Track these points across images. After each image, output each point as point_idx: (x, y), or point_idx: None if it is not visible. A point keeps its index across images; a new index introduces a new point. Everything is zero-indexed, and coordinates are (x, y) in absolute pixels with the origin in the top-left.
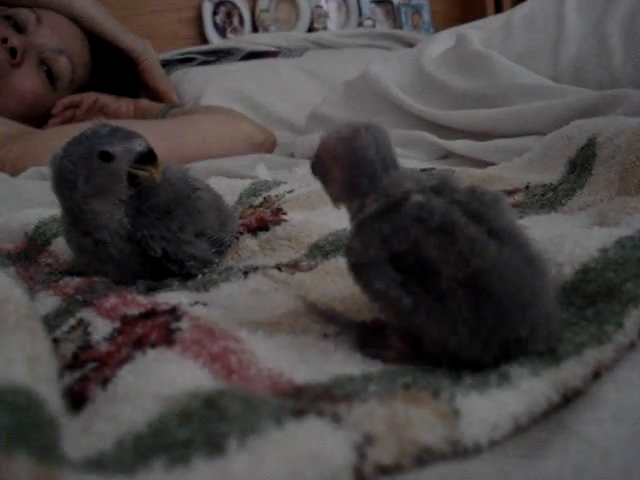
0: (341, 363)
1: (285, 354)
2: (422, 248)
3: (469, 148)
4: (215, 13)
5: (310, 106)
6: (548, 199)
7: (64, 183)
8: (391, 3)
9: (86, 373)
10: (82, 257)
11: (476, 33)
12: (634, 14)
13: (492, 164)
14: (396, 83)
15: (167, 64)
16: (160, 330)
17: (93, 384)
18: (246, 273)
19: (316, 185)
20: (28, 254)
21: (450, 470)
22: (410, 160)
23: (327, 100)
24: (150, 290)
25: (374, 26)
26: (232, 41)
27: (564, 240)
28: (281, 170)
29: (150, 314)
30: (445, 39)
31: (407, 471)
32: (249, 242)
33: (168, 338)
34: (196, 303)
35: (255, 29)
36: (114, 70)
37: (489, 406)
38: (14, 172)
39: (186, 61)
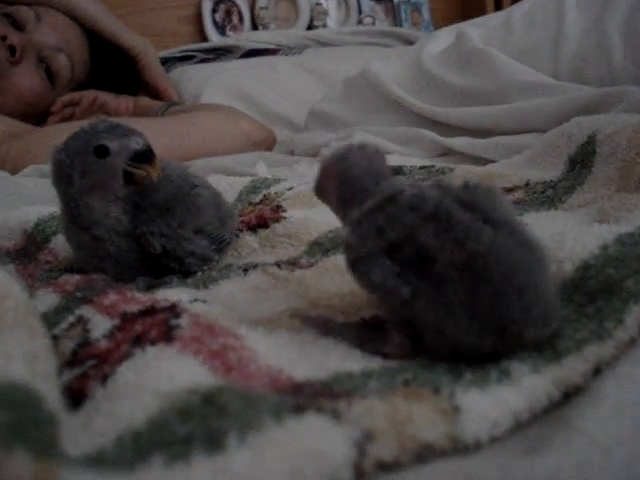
0: (341, 359)
1: (285, 351)
2: (418, 236)
3: (469, 145)
4: (214, 11)
5: (310, 104)
6: (548, 196)
7: (61, 177)
8: (391, 1)
9: (85, 370)
10: (81, 253)
11: (476, 30)
12: (634, 11)
13: (492, 161)
14: (396, 80)
15: (167, 62)
16: (160, 327)
17: (92, 381)
18: (246, 270)
19: None
20: (27, 252)
21: (450, 467)
22: (410, 157)
23: (327, 98)
24: (149, 287)
25: (374, 24)
26: (231, 39)
27: (564, 237)
28: (281, 168)
29: (149, 311)
30: (445, 36)
31: (407, 468)
32: (249, 239)
33: (167, 335)
34: (196, 300)
35: (255, 27)
36: (113, 68)
37: (489, 402)
38: (14, 170)
39: (185, 59)
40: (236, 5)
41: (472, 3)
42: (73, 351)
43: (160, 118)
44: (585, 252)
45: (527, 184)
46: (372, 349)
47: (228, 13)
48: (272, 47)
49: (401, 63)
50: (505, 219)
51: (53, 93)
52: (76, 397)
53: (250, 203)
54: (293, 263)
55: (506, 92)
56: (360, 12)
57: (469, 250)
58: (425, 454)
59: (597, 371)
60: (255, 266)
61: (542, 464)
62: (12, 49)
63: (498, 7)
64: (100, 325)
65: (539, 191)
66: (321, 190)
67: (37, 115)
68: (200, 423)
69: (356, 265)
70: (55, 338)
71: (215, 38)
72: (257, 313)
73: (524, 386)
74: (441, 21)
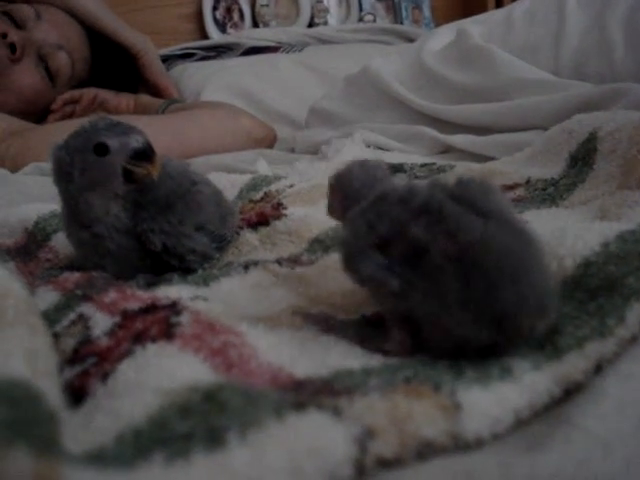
0: (341, 357)
1: (285, 348)
2: (409, 229)
3: (469, 143)
4: (215, 8)
5: (310, 101)
6: (549, 194)
7: (62, 175)
8: None
9: (86, 368)
10: (81, 251)
11: (477, 27)
12: (635, 8)
13: (493, 159)
14: (396, 78)
15: (167, 59)
16: (160, 325)
17: (93, 379)
18: (246, 268)
19: (316, 180)
20: (28, 249)
21: (451, 464)
22: (410, 155)
23: (327, 95)
24: (150, 285)
25: (375, 21)
26: (232, 36)
27: (565, 234)
28: (281, 165)
29: (150, 309)
30: (446, 34)
31: (408, 465)
32: (249, 237)
33: (168, 332)
34: (196, 297)
35: (255, 24)
36: (114, 66)
37: (490, 400)
38: (14, 168)
39: (186, 56)
40: (237, 3)
41: (473, 0)
42: (74, 349)
43: (161, 116)
44: (586, 249)
45: (528, 181)
46: (372, 346)
47: (229, 11)
48: (273, 45)
49: (402, 60)
50: (496, 210)
51: (53, 91)
52: (77, 395)
53: (251, 200)
54: (294, 260)
55: (507, 89)
56: (361, 10)
57: (461, 241)
58: (426, 451)
59: (598, 368)
60: (256, 263)
61: (543, 461)
62: (12, 47)
63: (499, 4)
64: (101, 323)
65: (540, 188)
66: (331, 208)
67: (37, 113)
68: (200, 420)
69: (348, 261)
70: (56, 336)
71: (216, 36)
72: (258, 310)
73: (525, 383)
74: (442, 18)
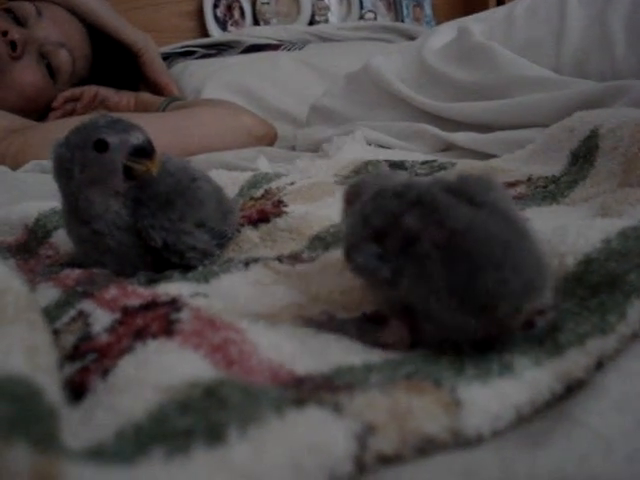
0: (342, 353)
1: (286, 345)
2: (402, 220)
3: (471, 140)
4: (216, 6)
5: (311, 99)
6: (550, 191)
7: (62, 171)
8: None
9: (86, 364)
10: (81, 248)
11: (478, 25)
12: (636, 5)
13: (494, 156)
14: (398, 76)
15: (168, 57)
16: (160, 321)
17: (93, 375)
18: (247, 265)
19: (317, 178)
20: (28, 246)
21: (452, 460)
22: (412, 153)
23: (328, 93)
24: (150, 281)
25: (375, 19)
26: (233, 34)
27: (566, 231)
28: (282, 163)
29: (150, 305)
30: (447, 31)
31: (408, 461)
32: (250, 234)
33: (168, 329)
34: (196, 294)
35: (256, 22)
36: (115, 63)
37: (491, 396)
38: (14, 165)
39: (187, 54)
40: (237, 0)
41: None
42: (74, 345)
43: (161, 113)
44: (588, 246)
45: (529, 179)
46: (371, 339)
47: (229, 8)
48: (274, 42)
49: (403, 58)
50: (492, 202)
51: (54, 89)
52: (77, 391)
53: (251, 198)
54: (294, 258)
55: (508, 87)
56: (362, 7)
57: (448, 228)
58: (426, 447)
59: (599, 365)
60: (256, 260)
61: (544, 457)
62: (13, 44)
63: (500, 2)
64: (101, 319)
65: (541, 186)
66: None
67: (38, 110)
68: (201, 416)
69: (347, 254)
70: (56, 332)
71: (216, 33)
72: (258, 307)
73: (526, 380)
74: (443, 16)
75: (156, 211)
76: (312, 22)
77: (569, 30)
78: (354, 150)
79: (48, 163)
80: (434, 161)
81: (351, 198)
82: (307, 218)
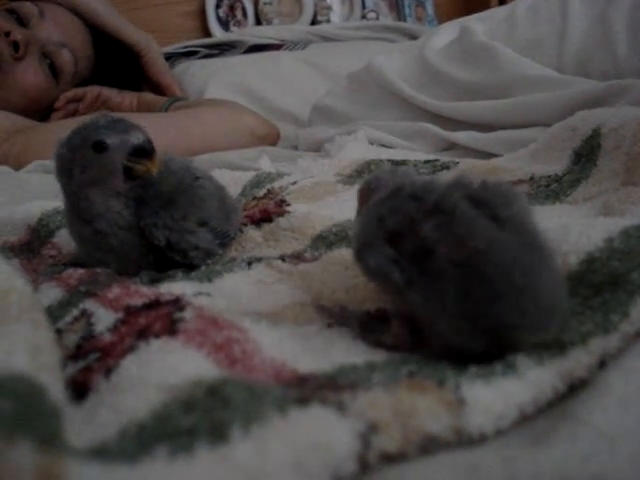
0: (345, 352)
1: (289, 344)
2: (419, 226)
3: (473, 140)
4: (218, 6)
5: (313, 99)
6: (553, 190)
7: (63, 171)
8: None
9: (89, 363)
10: (84, 247)
11: (480, 25)
12: (638, 4)
13: (496, 155)
14: (400, 75)
15: (170, 57)
16: (163, 320)
17: (96, 374)
18: (250, 264)
19: (320, 177)
20: (31, 246)
21: (455, 459)
22: (414, 152)
23: (330, 92)
24: (153, 281)
25: (377, 19)
26: (235, 34)
27: (569, 230)
28: (284, 162)
29: (153, 304)
30: (449, 31)
31: (412, 459)
32: (253, 233)
33: (171, 328)
34: (199, 293)
35: (258, 22)
36: (117, 63)
37: (494, 395)
38: (17, 166)
39: (189, 54)
40: (240, 0)
41: None
42: (77, 344)
43: (164, 114)
44: (590, 245)
45: (532, 178)
46: (372, 339)
47: (232, 8)
48: (276, 42)
49: (405, 58)
50: (515, 219)
51: (57, 89)
52: (80, 390)
53: (254, 197)
54: (297, 257)
55: (510, 86)
56: (364, 7)
57: (469, 246)
58: (430, 446)
59: (602, 364)
60: (259, 260)
61: (547, 456)
62: (16, 45)
63: (502, 1)
64: (104, 318)
65: (544, 185)
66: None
67: (41, 111)
68: (204, 415)
69: (358, 253)
70: (59, 332)
71: (219, 33)
72: (261, 306)
73: (529, 379)
74: (445, 16)
75: (159, 210)
76: (314, 22)
77: (571, 29)
78: (356, 150)
79: (51, 163)
80: (436, 160)
81: (365, 195)
82: (310, 217)
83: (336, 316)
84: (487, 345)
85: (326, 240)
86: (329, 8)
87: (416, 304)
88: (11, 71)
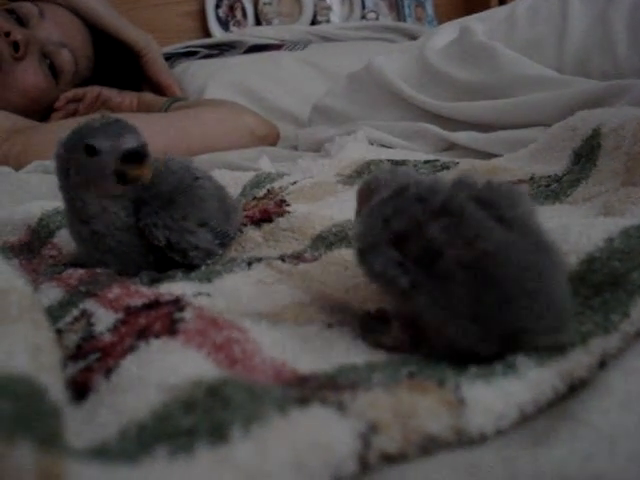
0: (345, 353)
1: (289, 344)
2: (424, 229)
3: (473, 140)
4: (218, 6)
5: (313, 99)
6: (553, 190)
7: (61, 171)
8: None
9: (89, 364)
10: (83, 247)
11: (480, 25)
12: (638, 4)
13: (496, 155)
14: (400, 75)
15: (170, 57)
16: (163, 320)
17: (96, 374)
18: (250, 264)
19: (320, 177)
20: (31, 246)
21: (455, 459)
22: (414, 152)
23: (330, 93)
24: (153, 281)
25: (377, 19)
26: (235, 34)
27: (569, 230)
28: (284, 163)
29: (153, 305)
30: (449, 31)
31: (412, 460)
32: (253, 234)
33: (171, 328)
34: (199, 294)
35: (258, 22)
36: (117, 64)
37: (495, 395)
38: (17, 166)
39: (189, 54)
40: (239, 1)
41: None
42: (77, 345)
43: (164, 114)
44: (590, 245)
45: (532, 178)
46: (371, 339)
47: (231, 9)
48: (276, 42)
49: (405, 58)
50: (521, 220)
51: (57, 89)
52: (80, 390)
53: (254, 198)
54: (297, 257)
55: (510, 86)
56: (364, 7)
57: (478, 248)
58: (430, 446)
59: (602, 364)
60: (259, 260)
61: (548, 456)
62: (16, 45)
63: (502, 1)
64: (104, 319)
65: (544, 185)
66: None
67: (41, 111)
68: (204, 415)
69: (362, 254)
70: (59, 332)
71: (219, 34)
72: (261, 306)
73: (529, 379)
74: (444, 16)
75: (159, 210)
76: (314, 22)
77: (571, 29)
78: (356, 150)
79: (51, 163)
80: (436, 160)
81: (365, 196)
82: (309, 218)
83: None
84: (497, 348)
85: (326, 240)
86: (329, 8)
87: (421, 307)
88: (11, 71)
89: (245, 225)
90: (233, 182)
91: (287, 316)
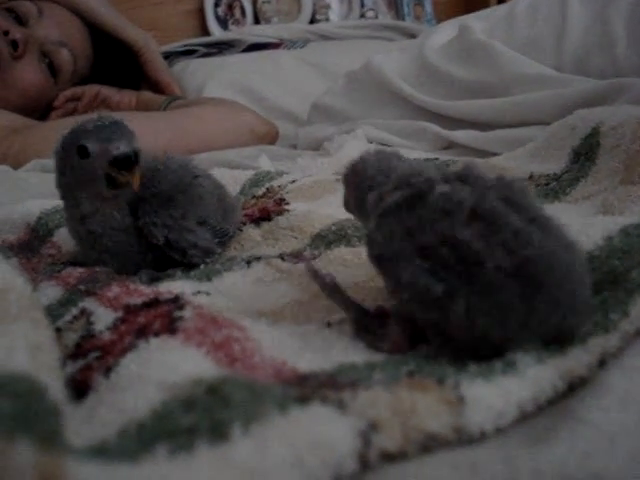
0: (344, 351)
1: (288, 342)
2: (460, 240)
3: (472, 138)
4: (217, 5)
5: (312, 97)
6: (552, 189)
7: (58, 168)
8: None
9: (89, 362)
10: (81, 246)
11: (479, 23)
12: (638, 3)
13: (495, 154)
14: (398, 74)
15: (169, 56)
16: (163, 319)
17: (96, 373)
18: (249, 263)
19: (319, 175)
20: (30, 245)
21: (455, 457)
22: (413, 151)
23: (329, 91)
24: (153, 280)
25: (376, 17)
26: (234, 33)
27: (568, 229)
28: (284, 161)
29: (153, 303)
30: (448, 29)
31: (412, 458)
32: (252, 232)
33: (171, 327)
34: (199, 292)
35: (257, 21)
36: (116, 62)
37: (494, 393)
38: (16, 165)
39: (188, 53)
40: None
41: None
42: (76, 343)
43: (163, 112)
44: (590, 243)
45: (531, 176)
46: (368, 341)
47: (230, 7)
48: (275, 41)
49: (404, 56)
50: (546, 218)
51: (55, 88)
52: (80, 389)
53: (253, 196)
54: (296, 256)
55: (509, 85)
56: (362, 6)
57: (521, 255)
58: (430, 444)
59: (602, 362)
60: (258, 258)
61: (547, 454)
62: (14, 44)
63: (501, 0)
64: (103, 317)
65: (543, 183)
66: (347, 203)
67: (40, 110)
68: (204, 414)
69: (382, 262)
70: (58, 330)
71: (217, 32)
72: (260, 305)
73: (529, 377)
74: (443, 14)
75: (158, 208)
76: (313, 21)
77: (570, 28)
78: (355, 148)
79: (49, 162)
80: (436, 159)
81: (352, 180)
82: (309, 216)
83: (325, 288)
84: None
85: (325, 239)
86: (328, 7)
87: (459, 314)
88: (10, 70)
89: (244, 224)
90: (232, 181)
91: (286, 315)
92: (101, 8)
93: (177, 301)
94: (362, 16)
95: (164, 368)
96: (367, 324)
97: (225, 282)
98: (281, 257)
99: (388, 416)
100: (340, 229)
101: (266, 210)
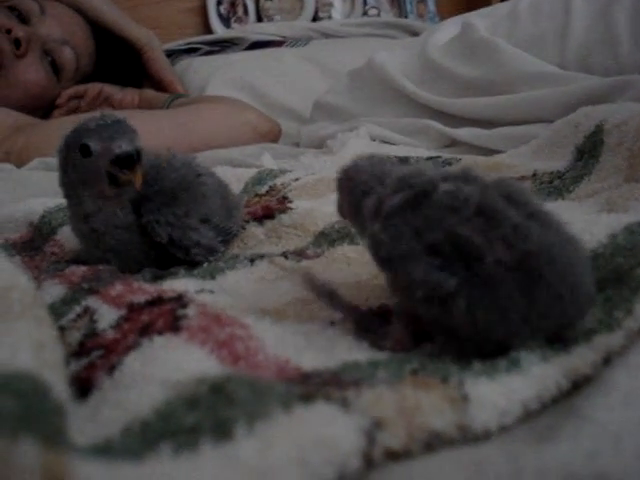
0: (348, 350)
1: (292, 341)
2: (461, 235)
3: (475, 136)
4: (219, 3)
5: (315, 95)
6: (555, 186)
7: (62, 166)
8: None
9: (92, 360)
10: (84, 244)
11: (482, 21)
12: None
13: (498, 152)
14: (401, 71)
15: (172, 54)
16: (166, 317)
17: (99, 371)
18: (252, 261)
19: (322, 173)
20: (34, 243)
21: (460, 455)
22: (416, 148)
23: (332, 89)
24: (156, 278)
25: (379, 15)
26: (236, 31)
27: (572, 227)
28: (286, 159)
29: (156, 301)
30: (450, 27)
31: (416, 456)
32: (255, 230)
33: (175, 325)
34: (202, 290)
35: (259, 19)
36: (118, 60)
37: (498, 391)
38: (19, 163)
39: (191, 51)
40: None
41: None
42: (80, 342)
43: (165, 110)
44: (593, 241)
45: (534, 174)
46: (369, 341)
47: (233, 5)
48: (277, 39)
49: (406, 54)
50: (545, 213)
51: (58, 86)
52: (83, 387)
53: (256, 194)
54: (299, 254)
55: (512, 82)
56: (365, 3)
57: (520, 250)
58: (434, 443)
59: (606, 360)
60: (262, 257)
61: (552, 453)
62: (17, 42)
63: None
64: (107, 315)
65: (546, 181)
66: (340, 208)
67: (43, 108)
68: (208, 412)
69: (391, 264)
70: (62, 329)
71: (220, 30)
72: (264, 303)
73: (533, 375)
74: (446, 12)
75: (161, 206)
76: (315, 18)
77: (573, 26)
78: (358, 146)
79: (52, 160)
80: (439, 157)
81: (346, 185)
82: (312, 214)
83: (322, 298)
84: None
85: (328, 237)
86: (330, 5)
87: (461, 310)
88: (13, 68)
89: (247, 222)
90: (235, 179)
91: (290, 313)
92: (103, 6)
93: (180, 299)
94: (365, 14)
95: (168, 366)
96: (368, 325)
97: (228, 280)
98: (284, 255)
99: (392, 414)
100: (343, 227)
101: (269, 208)
